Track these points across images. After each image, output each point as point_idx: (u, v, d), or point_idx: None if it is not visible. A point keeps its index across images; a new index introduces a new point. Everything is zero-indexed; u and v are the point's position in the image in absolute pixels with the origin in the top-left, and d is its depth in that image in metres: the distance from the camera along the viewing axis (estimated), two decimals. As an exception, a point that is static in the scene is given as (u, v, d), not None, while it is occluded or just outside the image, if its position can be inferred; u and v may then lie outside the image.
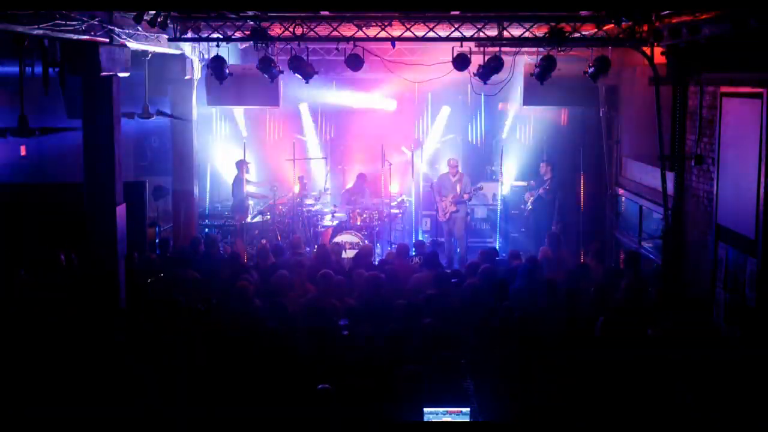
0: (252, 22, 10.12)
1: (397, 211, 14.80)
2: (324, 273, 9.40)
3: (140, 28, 9.39)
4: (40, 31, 7.19)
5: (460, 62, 10.43)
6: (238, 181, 14.15)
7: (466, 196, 13.99)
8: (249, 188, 14.33)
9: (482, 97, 13.90)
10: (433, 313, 8.21)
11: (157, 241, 12.51)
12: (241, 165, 14.23)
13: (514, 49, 11.16)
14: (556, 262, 10.75)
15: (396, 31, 10.27)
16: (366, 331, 7.80)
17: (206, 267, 10.48)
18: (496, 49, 10.50)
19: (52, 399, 6.65)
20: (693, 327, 7.90)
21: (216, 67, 10.64)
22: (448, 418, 6.11)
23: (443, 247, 13.79)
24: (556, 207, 14.20)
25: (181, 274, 9.95)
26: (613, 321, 7.60)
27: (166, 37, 10.43)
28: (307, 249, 12.91)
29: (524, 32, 10.39)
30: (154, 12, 9.16)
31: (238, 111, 15.46)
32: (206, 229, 13.95)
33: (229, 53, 11.04)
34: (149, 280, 9.79)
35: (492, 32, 10.18)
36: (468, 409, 6.18)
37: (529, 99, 13.22)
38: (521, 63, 12.10)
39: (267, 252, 11.21)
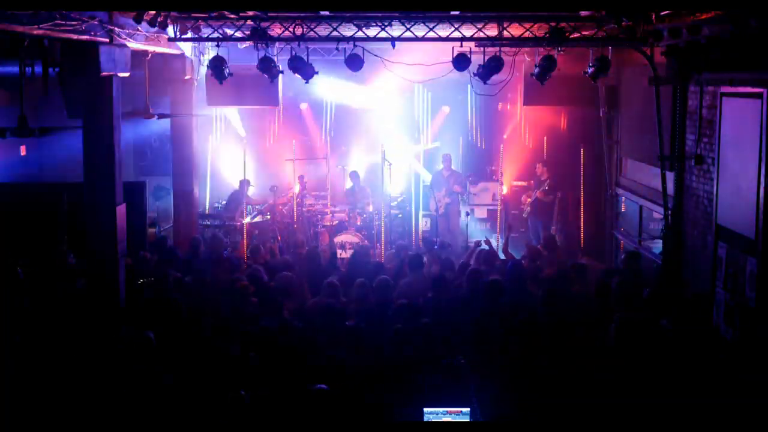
0: (252, 22, 10.12)
1: (397, 211, 14.85)
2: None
3: (140, 28, 9.39)
4: (40, 31, 7.19)
5: (460, 62, 10.43)
6: (238, 196, 14.16)
7: (457, 188, 14.36)
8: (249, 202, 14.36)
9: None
10: (433, 314, 8.22)
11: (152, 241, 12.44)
12: (243, 184, 14.23)
13: (514, 49, 11.16)
14: (553, 263, 10.74)
15: (396, 31, 10.27)
16: (367, 331, 7.81)
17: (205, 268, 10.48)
18: (496, 49, 10.50)
19: (54, 399, 6.65)
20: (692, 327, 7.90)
21: (216, 67, 10.63)
22: (448, 418, 6.11)
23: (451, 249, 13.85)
24: (555, 207, 14.22)
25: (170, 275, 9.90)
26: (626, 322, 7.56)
27: (166, 37, 10.43)
28: (307, 249, 12.90)
29: (524, 32, 10.39)
30: (154, 12, 9.16)
31: (233, 111, 15.48)
32: (206, 229, 13.95)
33: (229, 53, 11.05)
34: (141, 281, 9.75)
35: (492, 32, 10.18)
36: (468, 409, 6.18)
37: (529, 99, 13.25)
38: (521, 63, 12.10)
39: (275, 252, 11.28)
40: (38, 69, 8.29)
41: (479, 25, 10.12)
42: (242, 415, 6.19)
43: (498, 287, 8.61)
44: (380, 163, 13.49)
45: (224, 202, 14.84)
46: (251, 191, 14.80)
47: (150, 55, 10.47)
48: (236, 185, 14.66)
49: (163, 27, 9.66)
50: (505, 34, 10.22)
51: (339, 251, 12.95)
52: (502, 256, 11.11)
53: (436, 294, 8.90)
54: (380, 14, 10.05)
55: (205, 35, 10.62)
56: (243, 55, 12.14)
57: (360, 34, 10.28)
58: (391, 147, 14.14)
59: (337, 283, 9.15)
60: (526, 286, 9.21)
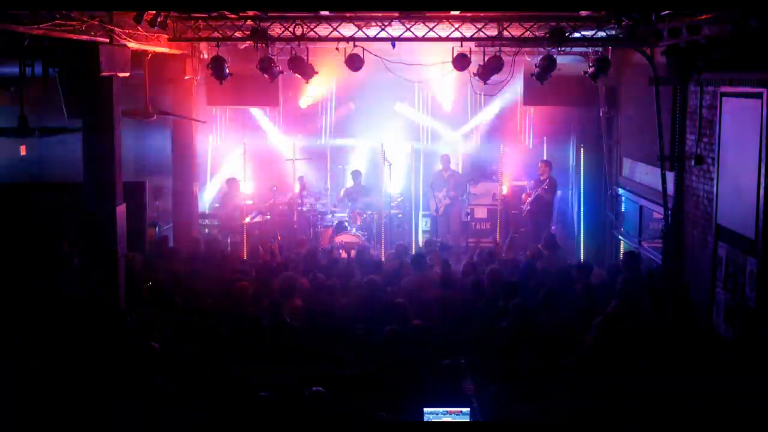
0: (252, 22, 10.12)
1: (396, 211, 14.84)
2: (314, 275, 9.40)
3: (140, 28, 9.39)
4: (40, 31, 7.19)
5: (460, 62, 10.43)
6: (227, 198, 14.05)
7: (452, 194, 14.34)
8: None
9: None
10: (440, 312, 8.25)
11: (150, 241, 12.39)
12: (232, 183, 14.10)
13: (514, 49, 11.15)
14: (552, 263, 10.75)
15: (396, 31, 10.27)
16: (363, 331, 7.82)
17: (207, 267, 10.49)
18: (496, 49, 10.49)
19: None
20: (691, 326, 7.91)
21: (216, 67, 10.63)
22: (448, 418, 6.11)
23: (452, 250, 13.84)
24: (555, 207, 14.22)
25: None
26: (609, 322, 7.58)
27: (166, 37, 10.43)
28: (307, 249, 12.88)
29: (524, 32, 10.39)
30: (154, 12, 9.16)
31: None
32: (206, 230, 13.94)
33: (229, 53, 11.06)
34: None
35: (492, 32, 10.18)
36: (468, 409, 6.18)
37: (529, 99, 13.25)
38: (521, 63, 12.10)
39: (275, 252, 11.29)
40: (38, 69, 8.29)
41: (479, 25, 10.12)
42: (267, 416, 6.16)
43: (515, 289, 8.61)
44: (380, 163, 13.50)
45: (217, 205, 14.79)
46: (245, 188, 14.65)
47: (150, 55, 10.46)
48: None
49: (163, 27, 9.65)
50: (505, 34, 10.22)
51: (339, 251, 12.95)
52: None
53: (443, 293, 8.91)
54: (380, 14, 10.05)
55: (205, 35, 10.62)
56: (243, 55, 12.14)
57: (360, 34, 10.28)
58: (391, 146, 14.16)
59: (322, 276, 9.16)
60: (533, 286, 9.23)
